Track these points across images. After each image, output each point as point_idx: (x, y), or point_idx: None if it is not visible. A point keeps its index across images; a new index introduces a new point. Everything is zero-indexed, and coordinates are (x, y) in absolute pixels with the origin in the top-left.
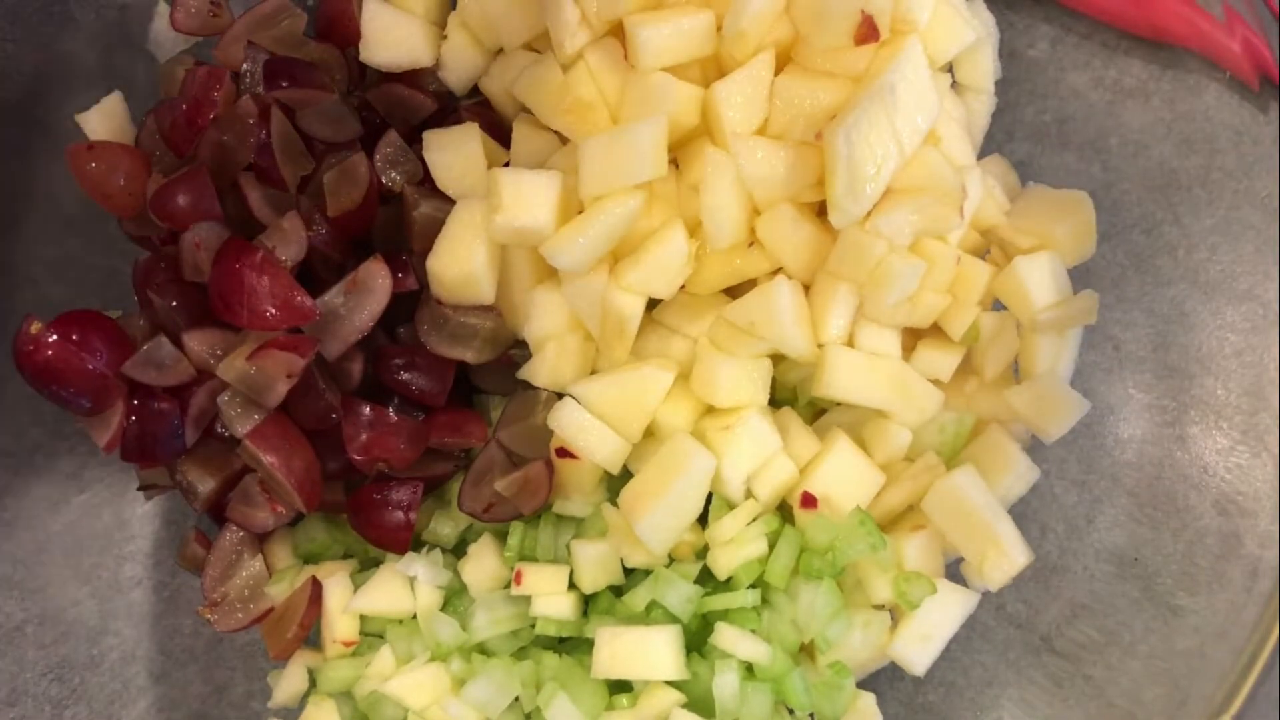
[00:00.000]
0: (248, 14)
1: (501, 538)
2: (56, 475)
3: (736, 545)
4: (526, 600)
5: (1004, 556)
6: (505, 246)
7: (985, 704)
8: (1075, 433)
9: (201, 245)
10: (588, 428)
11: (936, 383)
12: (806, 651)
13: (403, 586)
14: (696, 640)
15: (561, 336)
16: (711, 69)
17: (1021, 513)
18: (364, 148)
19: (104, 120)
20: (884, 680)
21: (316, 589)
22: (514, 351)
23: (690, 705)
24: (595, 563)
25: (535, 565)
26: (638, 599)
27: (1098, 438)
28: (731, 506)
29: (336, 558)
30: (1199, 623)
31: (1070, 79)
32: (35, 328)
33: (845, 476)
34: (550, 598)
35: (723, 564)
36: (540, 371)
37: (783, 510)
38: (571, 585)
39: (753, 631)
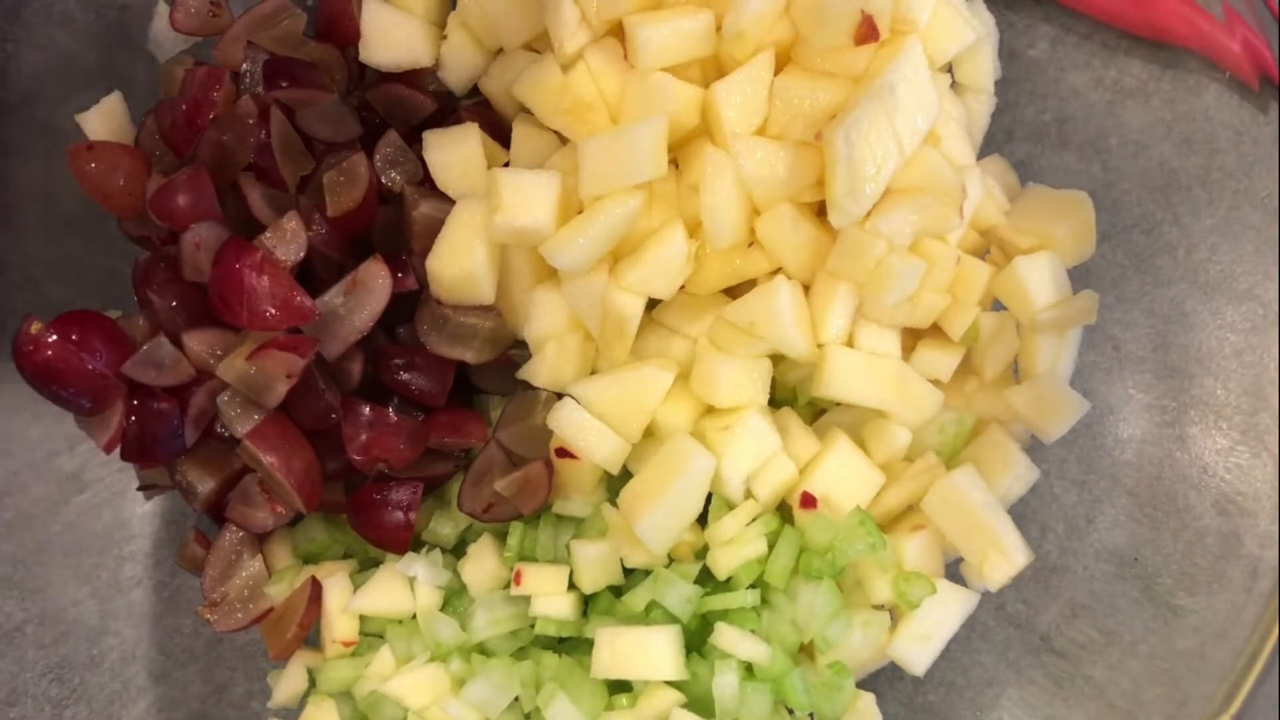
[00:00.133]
0: (248, 14)
1: (501, 538)
2: (56, 475)
3: (736, 545)
4: (526, 600)
5: (1004, 556)
6: (505, 246)
7: (985, 704)
8: (1075, 433)
9: (201, 245)
10: (587, 428)
11: (936, 383)
12: (806, 651)
13: (402, 586)
14: (696, 640)
15: (561, 336)
16: (711, 69)
17: (1021, 513)
18: (364, 148)
19: (104, 120)
20: (884, 680)
21: (316, 589)
22: (514, 351)
23: (690, 705)
24: (595, 563)
25: (535, 565)
26: (637, 599)
27: (1098, 438)
28: (731, 506)
29: (336, 558)
30: (1199, 623)
31: (1070, 79)
32: (35, 328)
33: (845, 476)
34: (550, 598)
35: (722, 564)
36: (540, 371)
37: (782, 510)
38: (571, 585)
39: (752, 631)
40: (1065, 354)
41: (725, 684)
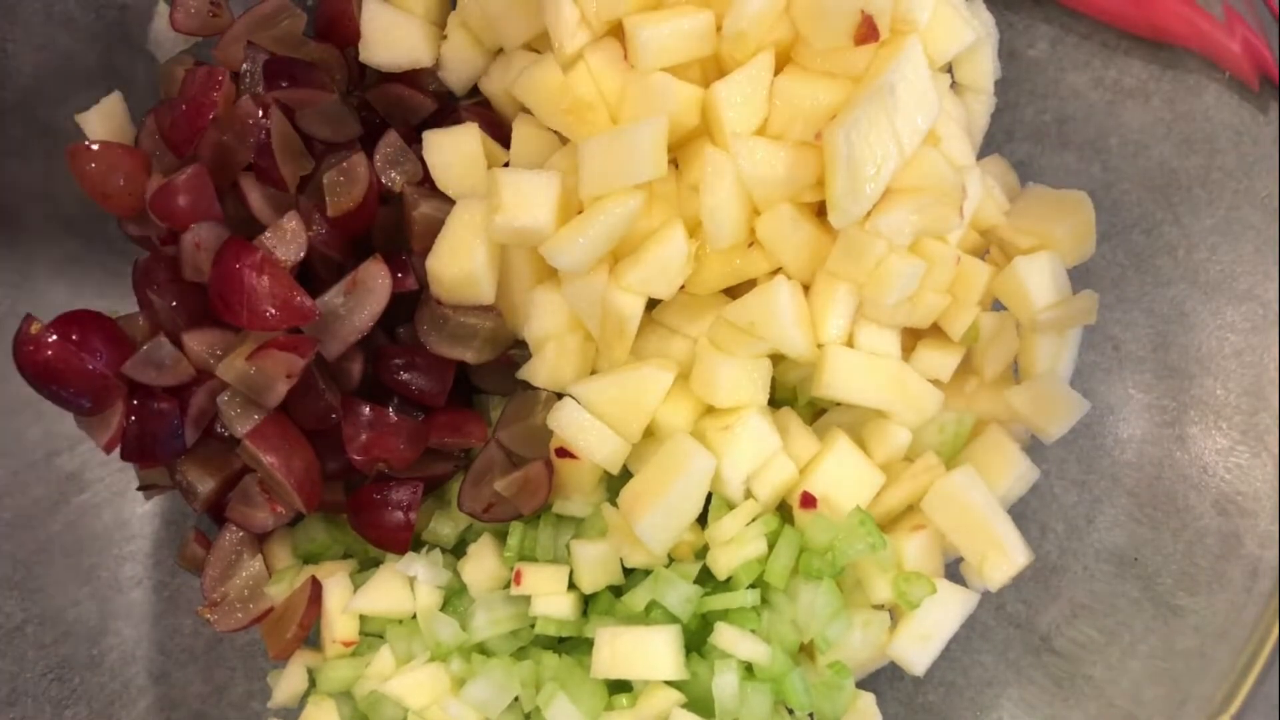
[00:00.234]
0: (247, 14)
1: (501, 538)
2: (56, 475)
3: (736, 545)
4: (526, 600)
5: (1004, 556)
6: (505, 246)
7: (985, 704)
8: (1075, 433)
9: (201, 245)
10: (587, 428)
11: (936, 383)
12: (806, 651)
13: (402, 586)
14: (696, 640)
15: (561, 336)
16: (711, 69)
17: (1021, 513)
18: (364, 148)
19: (104, 120)
20: (884, 680)
21: (316, 589)
22: (514, 351)
23: (690, 705)
24: (595, 563)
25: (535, 565)
26: (637, 599)
27: (1098, 438)
28: (731, 506)
29: (336, 558)
30: (1199, 623)
31: (1070, 79)
32: (35, 328)
33: (845, 476)
34: (550, 598)
35: (722, 564)
36: (540, 371)
37: (782, 510)
38: (571, 585)
39: (752, 631)
40: (1065, 354)
41: (725, 684)
